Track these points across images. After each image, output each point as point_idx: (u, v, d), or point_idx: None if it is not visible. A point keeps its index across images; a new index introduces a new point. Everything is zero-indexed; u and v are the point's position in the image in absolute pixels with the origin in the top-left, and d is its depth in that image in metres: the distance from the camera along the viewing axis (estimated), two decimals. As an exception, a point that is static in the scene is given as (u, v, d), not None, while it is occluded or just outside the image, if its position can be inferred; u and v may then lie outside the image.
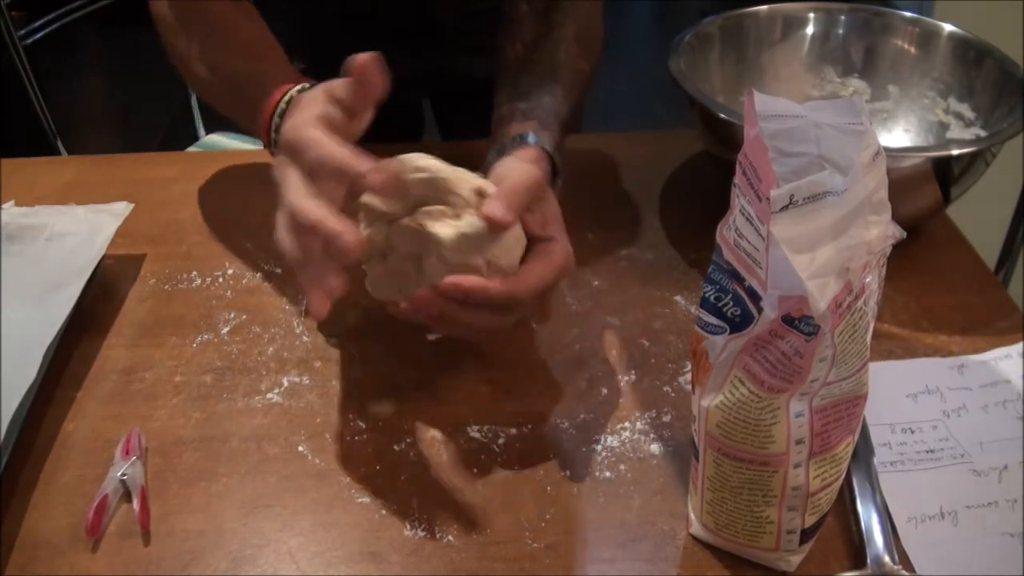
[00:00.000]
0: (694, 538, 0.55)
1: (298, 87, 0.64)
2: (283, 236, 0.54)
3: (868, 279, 0.44)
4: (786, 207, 0.41)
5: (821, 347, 0.43)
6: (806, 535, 0.51)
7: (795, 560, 0.52)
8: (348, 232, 0.51)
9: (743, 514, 0.50)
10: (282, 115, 0.63)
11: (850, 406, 0.47)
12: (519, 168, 0.61)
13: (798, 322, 0.42)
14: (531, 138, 0.67)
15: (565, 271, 0.60)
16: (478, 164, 0.70)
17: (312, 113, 0.56)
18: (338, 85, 0.58)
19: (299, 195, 0.53)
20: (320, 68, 0.79)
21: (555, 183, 0.67)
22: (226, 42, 0.71)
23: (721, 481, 0.50)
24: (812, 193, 0.41)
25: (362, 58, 0.55)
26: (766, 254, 0.42)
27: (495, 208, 0.56)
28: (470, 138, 0.92)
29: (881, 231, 0.43)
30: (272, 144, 0.64)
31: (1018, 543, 0.53)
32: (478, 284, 0.56)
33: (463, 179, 0.58)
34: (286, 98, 0.63)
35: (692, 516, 0.54)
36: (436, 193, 0.57)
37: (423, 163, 0.58)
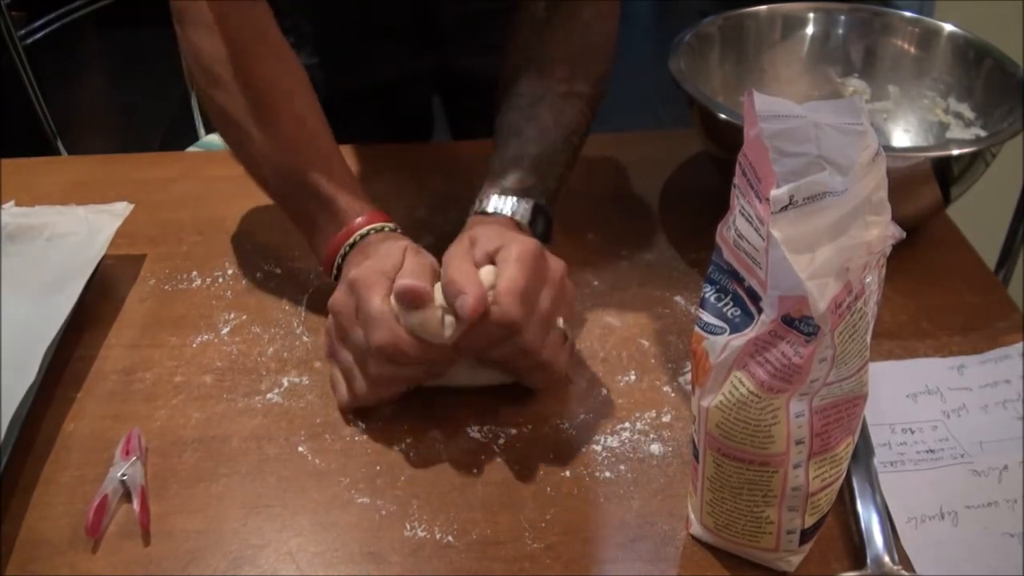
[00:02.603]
0: (694, 538, 0.55)
1: (370, 227, 0.65)
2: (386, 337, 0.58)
3: (868, 279, 0.44)
4: (786, 207, 0.41)
5: (821, 347, 0.43)
6: (806, 535, 0.51)
7: (795, 560, 0.52)
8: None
9: (743, 514, 0.50)
10: (351, 245, 0.64)
11: (850, 406, 0.47)
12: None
13: (798, 322, 0.42)
14: (482, 204, 0.67)
15: (528, 259, 0.59)
16: (484, 163, 0.70)
17: (384, 266, 0.60)
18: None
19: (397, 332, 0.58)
20: (328, 64, 0.80)
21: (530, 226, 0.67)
22: (289, 141, 0.68)
23: (721, 481, 0.50)
24: (812, 193, 0.41)
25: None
26: (766, 254, 0.42)
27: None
28: (480, 136, 0.92)
29: (881, 231, 0.43)
30: (336, 269, 0.65)
31: (1018, 543, 0.53)
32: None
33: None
34: (361, 233, 0.65)
35: (692, 516, 0.54)
36: None
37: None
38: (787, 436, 0.46)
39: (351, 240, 0.64)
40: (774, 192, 0.41)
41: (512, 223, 0.66)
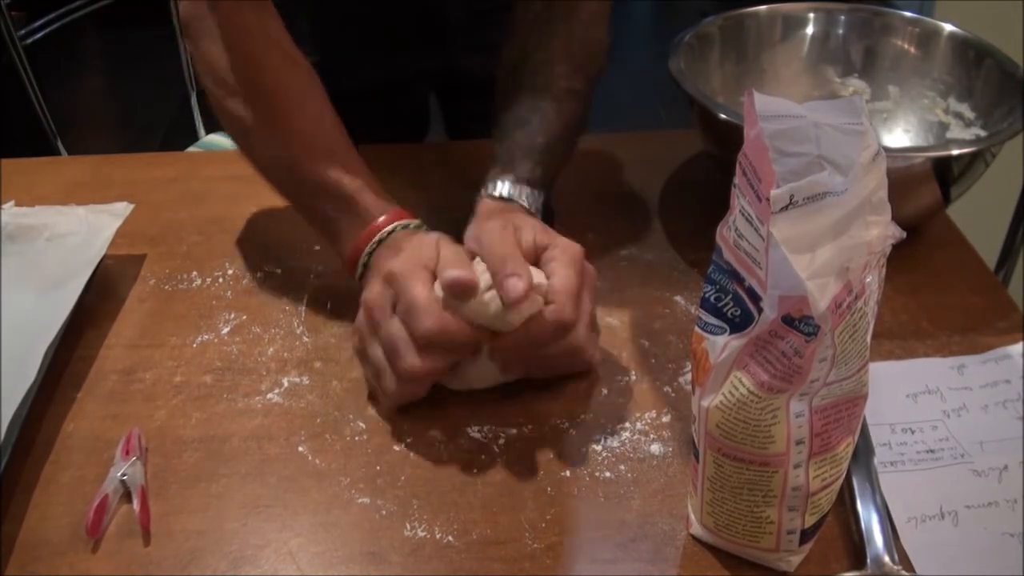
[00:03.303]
0: (694, 538, 0.55)
1: (396, 224, 0.65)
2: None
3: (868, 279, 0.44)
4: (786, 207, 0.41)
5: (821, 347, 0.43)
6: (806, 535, 0.51)
7: (795, 560, 0.52)
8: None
9: (743, 514, 0.50)
10: (379, 242, 0.64)
11: (850, 406, 0.47)
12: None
13: (798, 322, 0.42)
14: (497, 188, 0.68)
15: (578, 261, 0.61)
16: (484, 163, 0.70)
17: (421, 256, 0.60)
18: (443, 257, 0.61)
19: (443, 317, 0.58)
20: (326, 63, 0.80)
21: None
22: (305, 145, 0.68)
23: (721, 481, 0.50)
24: (812, 193, 0.41)
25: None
26: (766, 254, 0.42)
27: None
28: (476, 136, 0.92)
29: (881, 231, 0.43)
30: (360, 267, 0.65)
31: (1018, 543, 0.53)
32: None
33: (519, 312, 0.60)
34: (387, 230, 0.65)
35: (692, 516, 0.54)
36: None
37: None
38: (787, 436, 0.46)
39: (378, 237, 0.64)
40: (774, 192, 0.41)
41: (524, 211, 0.67)
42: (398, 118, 1.08)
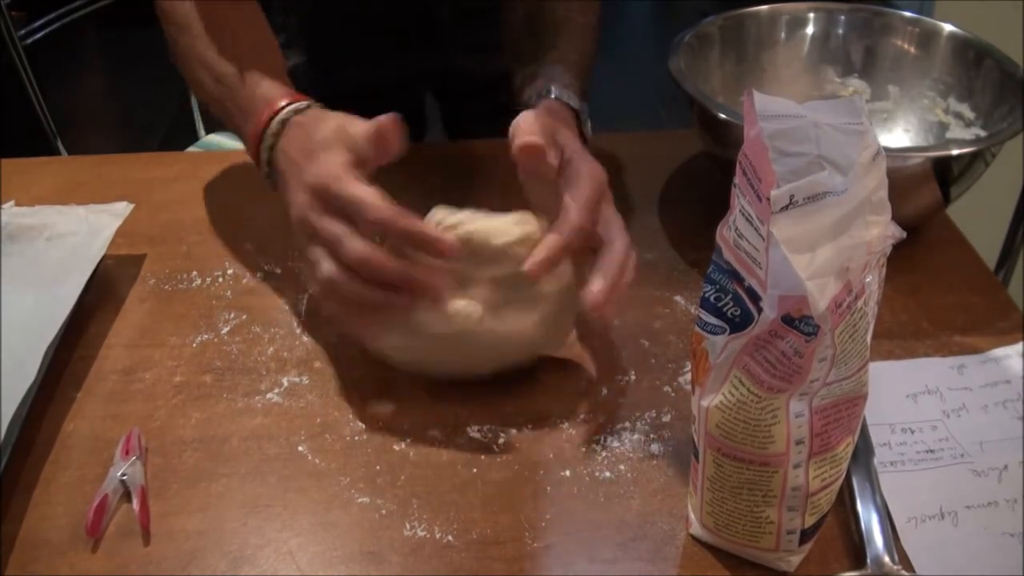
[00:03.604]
0: (694, 538, 0.55)
1: (291, 106, 0.64)
2: (355, 247, 0.56)
3: (868, 279, 0.44)
4: (786, 207, 0.41)
5: (821, 347, 0.43)
6: (806, 535, 0.51)
7: (795, 560, 0.52)
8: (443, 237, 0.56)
9: (743, 514, 0.50)
10: (275, 134, 0.63)
11: (850, 406, 0.47)
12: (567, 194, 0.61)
13: (798, 322, 0.42)
14: (553, 92, 0.69)
15: (597, 176, 0.61)
16: (482, 163, 0.70)
17: (342, 161, 0.58)
18: (356, 135, 0.59)
19: (383, 206, 0.56)
20: (319, 63, 0.80)
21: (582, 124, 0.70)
22: (221, 41, 0.70)
23: (721, 481, 0.50)
24: (812, 193, 0.41)
25: (385, 121, 0.57)
26: (766, 254, 0.42)
27: (537, 268, 0.57)
28: (474, 136, 0.92)
29: (881, 231, 0.43)
30: (266, 163, 0.64)
31: (1018, 543, 0.53)
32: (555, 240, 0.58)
33: (502, 230, 0.59)
34: (279, 118, 0.64)
35: (692, 516, 0.54)
36: (474, 248, 0.58)
37: (455, 219, 0.58)
38: (787, 436, 0.46)
39: (271, 129, 0.63)
40: (774, 192, 0.41)
41: (574, 117, 0.68)
42: None
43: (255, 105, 0.65)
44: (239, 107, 0.67)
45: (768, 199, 0.41)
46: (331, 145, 0.59)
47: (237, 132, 0.70)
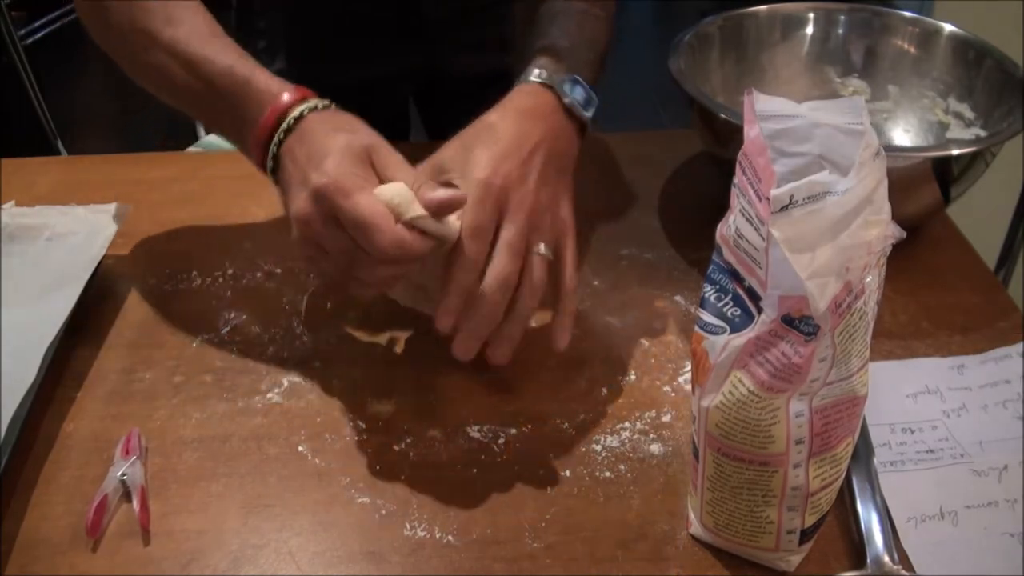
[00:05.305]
0: (694, 538, 0.55)
1: (304, 107, 0.61)
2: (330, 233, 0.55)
3: (868, 279, 0.44)
4: (786, 207, 0.41)
5: (821, 347, 0.43)
6: (806, 535, 0.51)
7: (795, 560, 0.52)
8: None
9: (743, 514, 0.50)
10: (287, 131, 0.60)
11: (850, 406, 0.47)
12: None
13: (798, 322, 0.42)
14: (528, 77, 0.67)
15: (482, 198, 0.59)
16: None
17: (351, 172, 0.56)
18: (404, 177, 0.58)
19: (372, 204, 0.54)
20: (302, 65, 0.79)
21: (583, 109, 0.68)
22: (196, 35, 0.65)
23: (721, 481, 0.50)
24: (812, 193, 0.41)
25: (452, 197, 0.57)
26: (766, 254, 0.42)
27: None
28: None
29: (881, 231, 0.43)
30: (270, 158, 0.61)
31: (1018, 543, 0.53)
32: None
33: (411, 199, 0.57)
34: (295, 113, 0.60)
35: (692, 516, 0.54)
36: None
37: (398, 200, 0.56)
38: (787, 436, 0.46)
39: (285, 124, 0.60)
40: (774, 192, 0.41)
41: (554, 96, 0.66)
42: (377, 119, 1.08)
43: (257, 97, 0.62)
44: (229, 100, 0.63)
45: (768, 199, 0.41)
46: (343, 153, 0.57)
47: (217, 124, 0.66)
